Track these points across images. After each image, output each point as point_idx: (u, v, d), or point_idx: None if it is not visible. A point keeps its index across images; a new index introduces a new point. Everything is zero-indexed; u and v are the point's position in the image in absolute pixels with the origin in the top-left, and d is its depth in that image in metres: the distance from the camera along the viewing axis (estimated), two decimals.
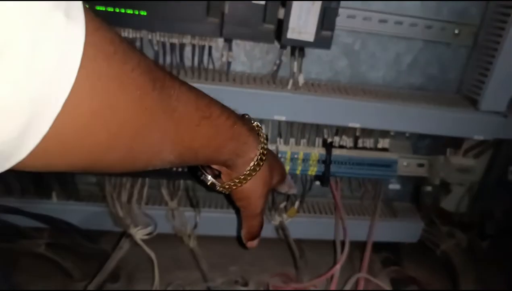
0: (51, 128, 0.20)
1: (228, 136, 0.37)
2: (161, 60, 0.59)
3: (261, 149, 0.40)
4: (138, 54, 0.26)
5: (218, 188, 0.42)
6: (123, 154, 0.27)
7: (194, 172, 0.43)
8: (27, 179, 0.63)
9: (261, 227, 0.47)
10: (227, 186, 0.41)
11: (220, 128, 0.35)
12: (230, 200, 0.46)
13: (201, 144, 0.34)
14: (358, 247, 0.74)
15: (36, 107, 0.19)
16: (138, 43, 0.58)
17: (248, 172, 0.40)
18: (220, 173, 0.42)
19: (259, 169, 0.41)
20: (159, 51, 0.58)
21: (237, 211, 0.50)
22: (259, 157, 0.40)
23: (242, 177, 0.40)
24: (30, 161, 0.21)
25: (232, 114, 0.37)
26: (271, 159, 0.45)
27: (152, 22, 0.53)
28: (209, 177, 0.42)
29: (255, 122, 0.42)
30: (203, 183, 0.43)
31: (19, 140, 0.19)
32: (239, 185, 0.41)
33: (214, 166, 0.41)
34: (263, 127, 0.66)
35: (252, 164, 0.40)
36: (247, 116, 0.43)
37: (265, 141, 0.41)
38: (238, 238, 0.49)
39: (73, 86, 0.20)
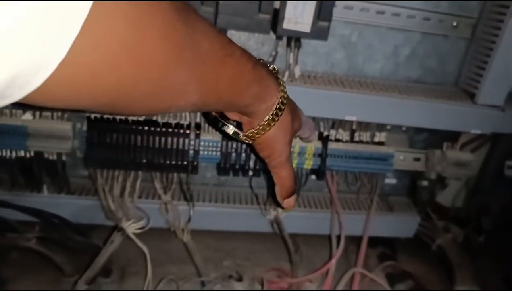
0: (71, 51, 0.19)
1: (251, 78, 0.35)
2: None
3: (282, 92, 0.39)
4: None
5: (241, 137, 0.41)
6: (150, 90, 0.26)
7: (215, 123, 0.42)
8: (17, 171, 0.62)
9: (294, 178, 0.45)
10: (250, 134, 0.40)
11: (243, 69, 0.34)
12: (255, 153, 0.45)
13: (225, 85, 0.32)
14: (354, 241, 0.74)
15: (55, 24, 0.17)
16: None
17: (271, 117, 0.38)
18: (240, 124, 0.41)
19: (281, 113, 0.39)
20: None
21: (265, 171, 0.50)
22: (281, 100, 0.38)
23: (265, 123, 0.39)
24: (54, 85, 0.19)
25: (252, 57, 0.36)
26: (291, 104, 0.43)
27: None
28: (231, 127, 0.41)
29: (272, 66, 0.41)
30: (225, 133, 0.42)
31: (40, 62, 0.18)
32: (263, 132, 0.39)
33: (233, 118, 0.40)
34: None
35: (274, 108, 0.38)
36: (262, 60, 0.41)
37: (284, 85, 0.40)
38: (274, 198, 0.47)
39: (95, 8, 0.18)
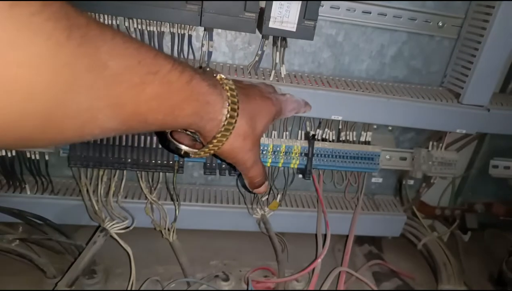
0: None
1: (185, 96, 0.31)
2: None
3: (229, 106, 0.35)
4: None
5: (192, 156, 0.38)
6: (43, 121, 0.23)
7: (164, 141, 0.39)
8: None
9: (263, 174, 0.43)
10: (202, 153, 0.37)
11: (173, 87, 0.30)
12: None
13: (149, 107, 0.29)
14: (341, 240, 0.74)
15: None
16: None
17: (221, 133, 0.35)
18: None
19: (234, 123, 0.36)
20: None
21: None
22: (229, 115, 0.35)
23: (218, 138, 0.35)
24: None
25: (188, 69, 0.32)
26: (248, 107, 0.38)
27: (128, 8, 0.51)
28: (182, 146, 0.38)
29: (219, 75, 0.37)
30: (177, 152, 0.39)
31: None
32: (216, 148, 0.37)
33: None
34: None
35: (222, 123, 0.35)
36: (208, 68, 0.38)
37: (234, 93, 0.36)
38: (244, 187, 0.47)
39: None
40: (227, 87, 0.36)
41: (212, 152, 0.37)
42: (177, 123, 0.33)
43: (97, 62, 0.24)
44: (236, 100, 0.36)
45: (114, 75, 0.26)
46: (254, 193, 0.46)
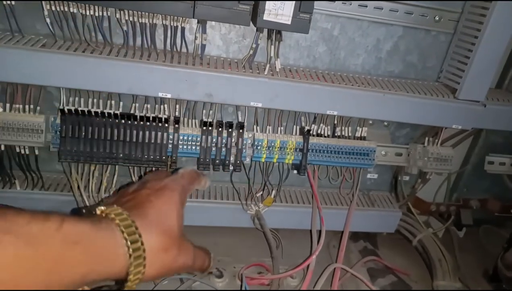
0: None
1: (59, 244, 0.26)
2: (131, 42, 0.56)
3: (124, 234, 0.31)
4: None
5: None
6: None
7: None
8: None
9: (204, 255, 0.44)
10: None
11: (38, 239, 0.25)
12: None
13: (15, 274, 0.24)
14: (336, 236, 0.73)
15: None
16: (105, 23, 0.55)
17: (133, 267, 0.31)
18: None
19: (143, 250, 0.32)
20: (129, 32, 0.55)
21: None
22: (129, 242, 0.31)
23: (132, 276, 0.32)
24: None
25: (56, 216, 0.27)
26: (149, 217, 0.35)
27: None
28: None
29: (98, 209, 0.32)
30: None
31: None
32: (137, 281, 0.33)
33: None
34: (239, 114, 0.64)
35: (129, 257, 0.31)
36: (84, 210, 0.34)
37: (123, 216, 0.32)
38: None
39: None
40: (113, 215, 0.32)
41: (137, 282, 0.33)
42: (70, 280, 0.28)
43: None
44: (129, 222, 0.32)
45: None
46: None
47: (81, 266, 0.28)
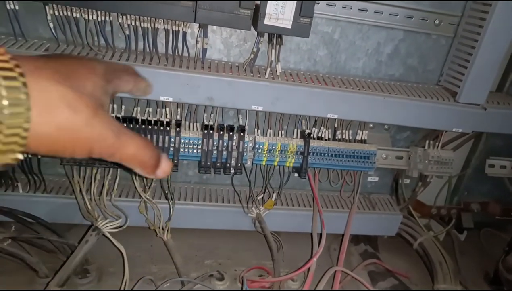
0: None
1: None
2: (133, 46, 0.56)
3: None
4: None
5: None
6: None
7: None
8: None
9: (146, 144, 0.33)
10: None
11: None
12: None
13: None
14: (337, 239, 0.73)
15: None
16: (108, 28, 0.55)
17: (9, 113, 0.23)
18: None
19: (26, 94, 0.24)
20: (131, 36, 0.56)
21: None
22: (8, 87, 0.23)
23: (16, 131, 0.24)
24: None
25: None
26: (52, 67, 0.28)
27: (121, 4, 0.50)
28: None
29: None
30: None
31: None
32: (20, 140, 0.25)
33: None
34: (240, 117, 0.64)
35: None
36: None
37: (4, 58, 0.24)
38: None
39: None
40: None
41: (24, 142, 0.25)
42: None
43: None
44: (10, 65, 0.24)
45: None
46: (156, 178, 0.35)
47: None
